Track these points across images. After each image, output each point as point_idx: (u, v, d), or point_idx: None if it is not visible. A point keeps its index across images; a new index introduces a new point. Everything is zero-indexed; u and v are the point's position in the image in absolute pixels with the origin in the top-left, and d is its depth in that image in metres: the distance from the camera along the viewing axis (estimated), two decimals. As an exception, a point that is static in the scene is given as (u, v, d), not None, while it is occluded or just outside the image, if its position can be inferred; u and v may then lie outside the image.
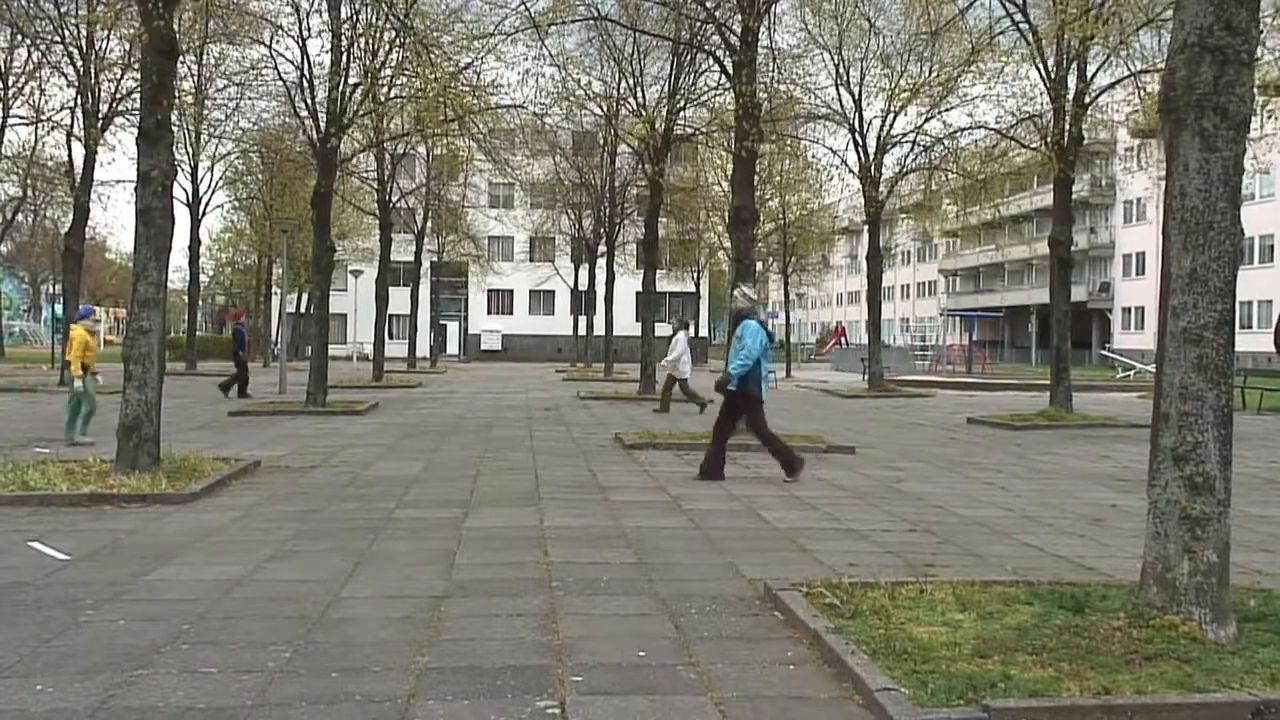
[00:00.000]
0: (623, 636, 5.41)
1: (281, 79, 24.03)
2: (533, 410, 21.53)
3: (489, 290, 62.80)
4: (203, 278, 55.72)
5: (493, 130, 24.61)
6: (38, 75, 28.60)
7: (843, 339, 68.35)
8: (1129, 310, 62.30)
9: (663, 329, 27.36)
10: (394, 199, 33.99)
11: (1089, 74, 20.59)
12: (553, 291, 63.86)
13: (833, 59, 28.61)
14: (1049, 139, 21.15)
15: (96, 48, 25.37)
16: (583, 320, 50.65)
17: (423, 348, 50.86)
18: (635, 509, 9.45)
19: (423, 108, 19.71)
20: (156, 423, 10.61)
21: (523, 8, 16.29)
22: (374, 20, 20.49)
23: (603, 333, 41.44)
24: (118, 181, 38.23)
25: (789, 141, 27.88)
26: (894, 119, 28.11)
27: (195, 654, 5.03)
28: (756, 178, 21.04)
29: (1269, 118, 18.24)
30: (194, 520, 8.66)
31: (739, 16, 15.78)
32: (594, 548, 7.70)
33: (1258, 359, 44.61)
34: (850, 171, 30.44)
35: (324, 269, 21.61)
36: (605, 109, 28.93)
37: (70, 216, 29.31)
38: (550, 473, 11.89)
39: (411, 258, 43.53)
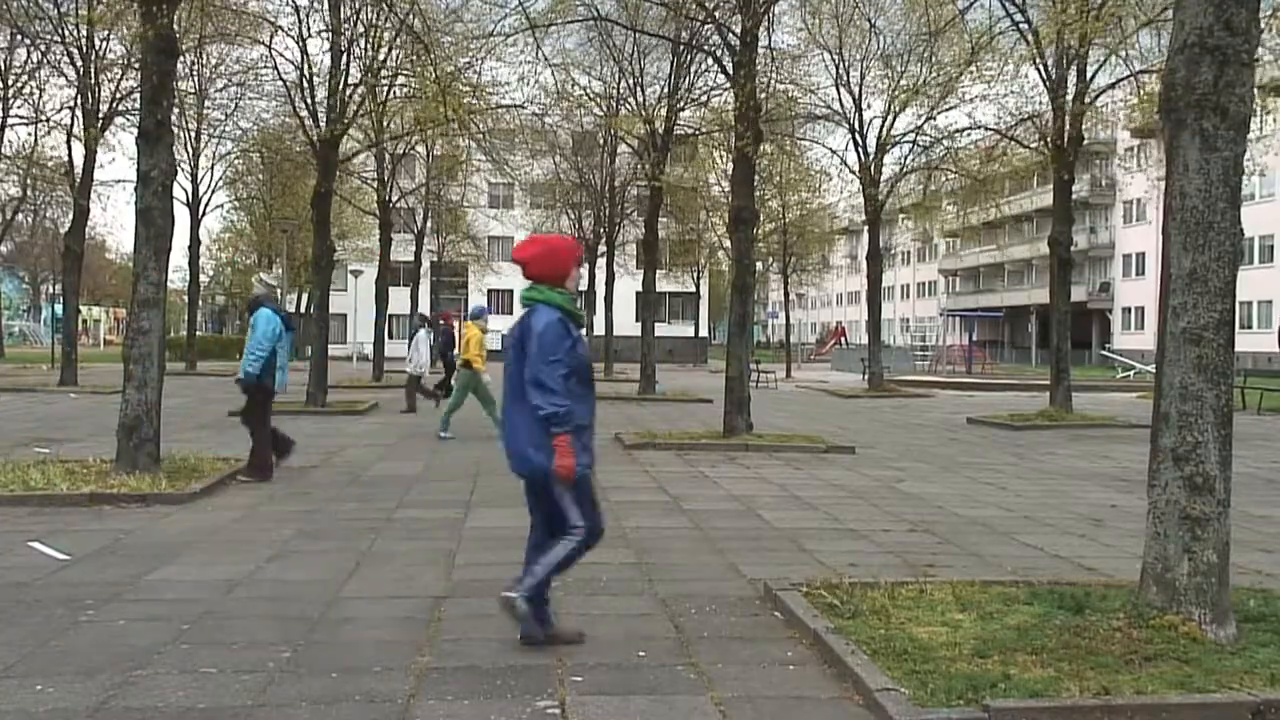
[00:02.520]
0: (623, 636, 5.42)
1: (281, 79, 24.06)
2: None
3: (489, 290, 62.72)
4: (203, 278, 55.72)
5: (493, 130, 24.63)
6: (38, 75, 28.58)
7: (842, 339, 68.33)
8: (1129, 310, 62.30)
9: (663, 329, 27.35)
10: (394, 199, 33.97)
11: (1089, 74, 20.60)
12: (553, 292, 63.76)
13: (833, 59, 28.62)
14: (1049, 139, 21.16)
15: (96, 48, 25.33)
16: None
17: (422, 348, 50.76)
18: (635, 509, 9.45)
19: (422, 108, 19.71)
20: (156, 423, 10.61)
21: (522, 8, 16.30)
22: (374, 20, 20.51)
23: (603, 333, 41.46)
24: (118, 181, 38.29)
25: (789, 142, 27.91)
26: (894, 119, 28.12)
27: (195, 654, 5.03)
28: (756, 178, 21.04)
29: (1269, 118, 18.25)
30: (194, 520, 8.66)
31: (739, 17, 15.78)
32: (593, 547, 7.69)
33: (1258, 359, 44.65)
34: (850, 171, 30.44)
35: (324, 269, 21.61)
36: (605, 109, 28.94)
37: (70, 216, 29.28)
38: (550, 473, 11.87)
39: (411, 258, 43.49)
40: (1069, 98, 20.28)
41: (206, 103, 32.54)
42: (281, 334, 10.97)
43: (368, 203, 36.31)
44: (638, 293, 36.26)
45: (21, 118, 30.70)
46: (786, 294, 50.49)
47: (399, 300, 42.82)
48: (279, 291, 11.66)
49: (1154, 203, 48.22)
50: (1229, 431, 5.19)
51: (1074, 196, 24.91)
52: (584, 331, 5.25)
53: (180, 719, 4.25)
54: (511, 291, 65.39)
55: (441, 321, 26.92)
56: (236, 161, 39.91)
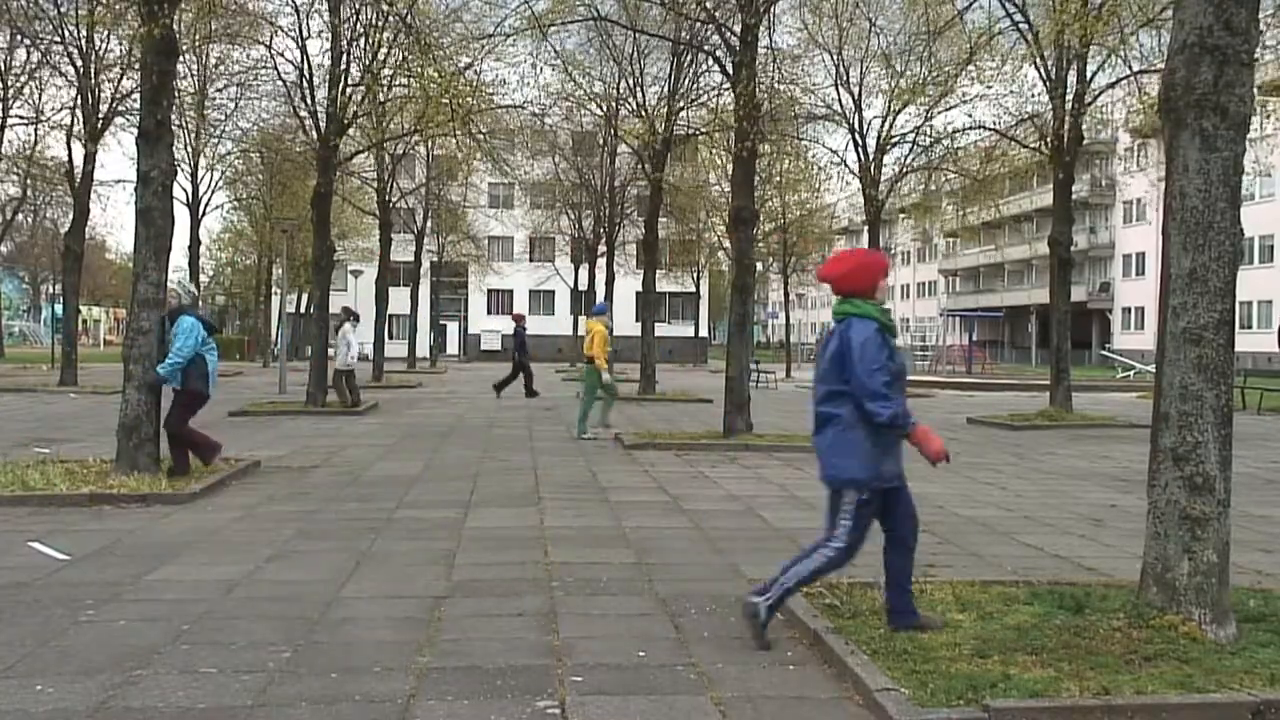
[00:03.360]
0: (623, 636, 5.42)
1: (281, 79, 24.07)
2: (533, 410, 21.52)
3: (489, 290, 62.77)
4: (203, 278, 55.72)
5: (493, 131, 24.63)
6: (38, 75, 28.60)
7: (843, 339, 68.11)
8: (1129, 310, 62.31)
9: (663, 329, 27.32)
10: (394, 199, 33.97)
11: (1088, 74, 20.59)
12: (553, 291, 63.84)
13: (833, 59, 28.55)
14: (1048, 139, 21.15)
15: (96, 48, 25.34)
16: (583, 320, 50.68)
17: (423, 348, 50.85)
18: (635, 509, 9.45)
19: (423, 108, 19.70)
20: (157, 423, 10.60)
21: (524, 8, 16.31)
22: (374, 20, 20.52)
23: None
24: (118, 181, 38.23)
25: (789, 142, 27.87)
26: (894, 119, 28.07)
27: (195, 654, 5.03)
28: (756, 178, 21.03)
29: (1269, 118, 18.25)
30: (194, 520, 8.66)
31: (739, 17, 15.78)
32: (594, 548, 7.70)
33: (1258, 359, 44.66)
34: (850, 171, 30.40)
35: (324, 269, 21.61)
36: (605, 109, 28.93)
37: (70, 216, 29.29)
38: (550, 473, 11.89)
39: (411, 258, 43.52)
40: (1069, 98, 20.27)
41: (206, 103, 32.54)
42: (205, 339, 10.65)
43: (368, 203, 36.34)
44: (638, 293, 36.30)
45: (21, 118, 30.75)
46: (786, 294, 50.45)
47: (399, 300, 42.85)
48: (197, 298, 11.40)
49: (1154, 203, 48.22)
50: (1229, 431, 5.19)
51: (1074, 196, 24.91)
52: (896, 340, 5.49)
53: (180, 719, 4.26)
54: (511, 291, 65.47)
55: (514, 323, 26.87)
56: (236, 162, 39.94)
